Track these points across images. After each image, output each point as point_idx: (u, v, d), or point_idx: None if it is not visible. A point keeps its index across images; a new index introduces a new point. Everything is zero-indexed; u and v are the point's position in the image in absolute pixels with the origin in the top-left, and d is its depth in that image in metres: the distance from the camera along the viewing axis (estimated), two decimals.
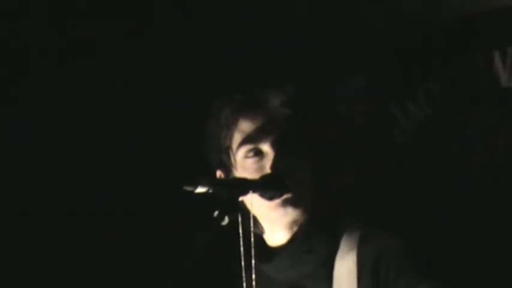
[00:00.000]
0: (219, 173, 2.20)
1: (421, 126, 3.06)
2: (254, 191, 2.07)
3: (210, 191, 1.99)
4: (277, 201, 2.11)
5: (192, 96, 3.11)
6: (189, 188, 1.99)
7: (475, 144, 2.95)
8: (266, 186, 2.08)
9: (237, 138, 2.15)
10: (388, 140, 3.10)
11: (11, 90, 3.23)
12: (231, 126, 2.16)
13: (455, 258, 2.45)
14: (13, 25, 3.25)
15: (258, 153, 2.13)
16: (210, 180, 2.01)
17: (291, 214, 2.14)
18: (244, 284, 2.14)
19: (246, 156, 2.14)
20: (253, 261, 2.15)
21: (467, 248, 2.81)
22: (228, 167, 2.18)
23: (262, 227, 2.21)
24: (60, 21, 3.31)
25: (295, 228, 2.17)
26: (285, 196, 2.10)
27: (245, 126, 2.14)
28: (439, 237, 2.63)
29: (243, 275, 2.13)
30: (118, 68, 3.28)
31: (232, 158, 2.16)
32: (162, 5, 3.34)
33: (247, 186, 2.06)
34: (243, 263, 2.12)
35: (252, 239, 2.13)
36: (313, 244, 2.14)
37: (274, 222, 2.18)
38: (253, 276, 2.14)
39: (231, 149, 2.16)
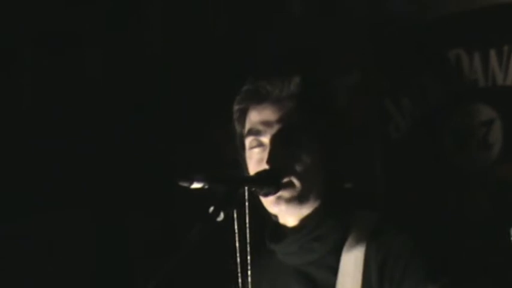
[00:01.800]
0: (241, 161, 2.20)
1: (416, 122, 3.05)
2: (249, 187, 2.06)
3: (206, 186, 1.97)
4: (275, 199, 2.08)
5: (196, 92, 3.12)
6: (185, 184, 1.97)
7: (469, 141, 2.94)
8: (261, 183, 2.06)
9: (247, 127, 2.15)
10: (382, 135, 3.09)
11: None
12: (242, 114, 2.16)
13: (462, 260, 2.43)
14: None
15: (260, 145, 2.12)
16: (206, 176, 1.99)
17: (285, 211, 2.12)
18: (240, 280, 2.12)
19: (250, 147, 2.13)
20: (248, 258, 2.14)
21: (472, 248, 2.80)
22: (242, 156, 2.18)
23: (275, 215, 2.20)
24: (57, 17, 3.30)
25: (304, 216, 2.14)
26: (282, 194, 2.08)
27: (253, 116, 2.13)
28: (445, 238, 2.61)
29: (239, 271, 2.12)
30: (120, 63, 3.28)
31: (244, 147, 2.16)
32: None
33: (242, 182, 2.05)
34: (238, 259, 2.11)
35: (248, 236, 2.12)
36: (322, 233, 2.12)
37: (280, 214, 2.16)
38: (249, 272, 2.13)
39: (244, 137, 2.16)
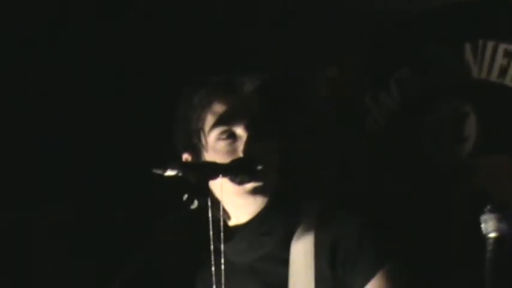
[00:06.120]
0: (185, 156, 2.17)
1: (393, 116, 3.05)
2: (224, 175, 2.03)
3: (180, 174, 1.95)
4: (247, 188, 2.07)
5: (167, 81, 3.09)
6: (158, 171, 1.95)
7: (444, 134, 2.93)
8: (236, 171, 2.04)
9: (210, 120, 2.11)
10: (360, 129, 3.09)
11: None
12: (204, 108, 2.12)
13: (415, 242, 2.43)
14: None
15: (231, 136, 2.10)
16: (180, 163, 1.97)
17: (260, 202, 2.11)
18: (213, 268, 2.10)
19: (219, 139, 2.11)
20: (222, 246, 2.12)
21: (428, 232, 2.80)
22: (198, 150, 2.13)
23: (228, 213, 2.17)
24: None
25: (256, 211, 2.13)
26: (255, 183, 2.07)
27: (219, 108, 2.11)
28: (401, 223, 2.62)
29: (212, 259, 2.10)
30: (90, 48, 3.25)
31: (203, 140, 2.12)
32: None
33: (217, 170, 2.01)
34: (212, 247, 2.09)
35: (222, 224, 2.10)
36: (271, 226, 2.10)
37: (241, 208, 2.14)
38: (222, 260, 2.11)
39: (203, 131, 2.12)
